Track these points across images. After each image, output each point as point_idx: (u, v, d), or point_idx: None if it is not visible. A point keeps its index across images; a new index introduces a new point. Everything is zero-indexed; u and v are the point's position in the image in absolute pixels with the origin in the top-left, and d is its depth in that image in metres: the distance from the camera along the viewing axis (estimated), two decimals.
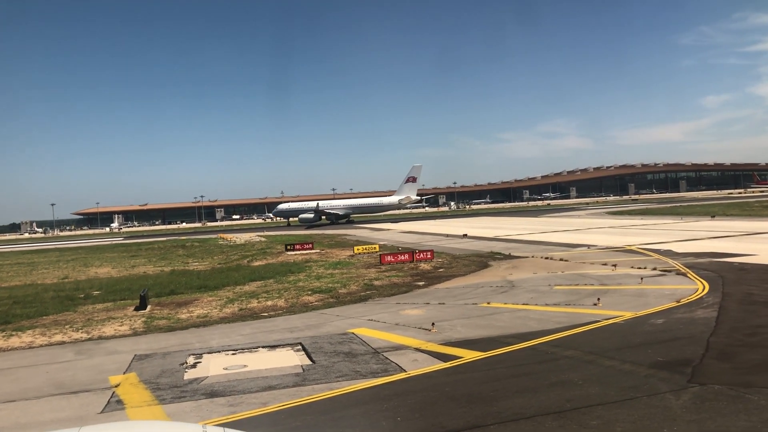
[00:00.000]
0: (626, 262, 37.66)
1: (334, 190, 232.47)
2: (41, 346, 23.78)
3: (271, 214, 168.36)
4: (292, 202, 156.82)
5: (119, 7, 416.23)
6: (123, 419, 13.94)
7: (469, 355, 18.03)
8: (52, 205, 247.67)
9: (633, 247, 46.38)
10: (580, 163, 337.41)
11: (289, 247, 63.23)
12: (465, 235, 68.87)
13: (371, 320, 24.57)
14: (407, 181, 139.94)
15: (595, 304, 24.83)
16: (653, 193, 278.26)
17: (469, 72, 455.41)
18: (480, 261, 44.81)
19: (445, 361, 17.58)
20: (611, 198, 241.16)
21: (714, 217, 75.50)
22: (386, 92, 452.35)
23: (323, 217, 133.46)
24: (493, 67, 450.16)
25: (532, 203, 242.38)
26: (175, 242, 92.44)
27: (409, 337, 20.98)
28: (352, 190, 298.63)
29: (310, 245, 64.03)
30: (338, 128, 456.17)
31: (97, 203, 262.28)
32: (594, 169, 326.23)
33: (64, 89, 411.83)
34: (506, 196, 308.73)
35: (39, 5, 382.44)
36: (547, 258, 43.52)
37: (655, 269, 34.08)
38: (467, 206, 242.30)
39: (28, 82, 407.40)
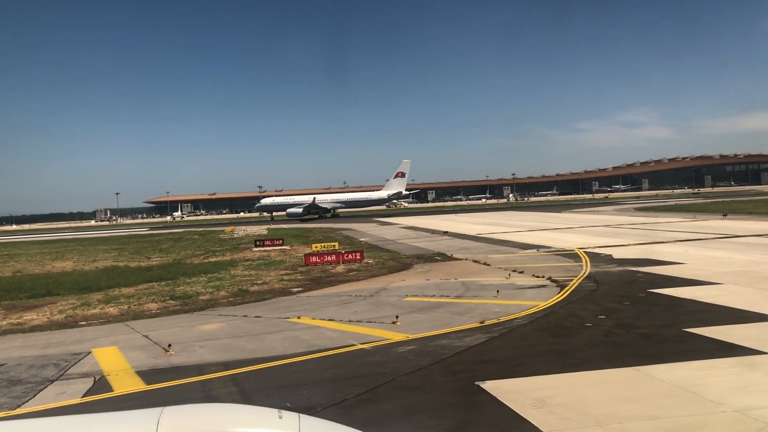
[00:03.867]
0: (539, 269, 34.67)
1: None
2: None
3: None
4: (276, 196, 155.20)
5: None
6: None
7: (129, 389, 16.02)
8: (117, 194, 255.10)
9: (581, 251, 42.77)
10: (661, 154, 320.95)
11: (258, 243, 62.09)
12: (446, 233, 66.16)
13: (146, 336, 22.79)
14: (396, 176, 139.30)
15: (393, 323, 22.36)
16: (731, 185, 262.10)
17: (544, 58, 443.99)
18: (408, 263, 42.47)
19: (82, 396, 15.66)
20: (677, 191, 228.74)
21: (726, 215, 69.47)
22: (453, 80, 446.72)
23: (311, 211, 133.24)
24: (570, 53, 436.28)
25: (598, 195, 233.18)
26: (177, 235, 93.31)
27: (129, 360, 19.15)
28: (414, 181, 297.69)
29: (281, 241, 62.67)
30: (403, 118, 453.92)
31: (167, 192, 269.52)
32: (669, 160, 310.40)
33: (148, 88, 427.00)
34: (575, 187, 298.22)
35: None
36: (476, 261, 40.85)
37: (549, 279, 31.18)
38: (525, 198, 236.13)
39: (118, 79, 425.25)
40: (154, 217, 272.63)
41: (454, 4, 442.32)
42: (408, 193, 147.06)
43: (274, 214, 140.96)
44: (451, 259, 43.68)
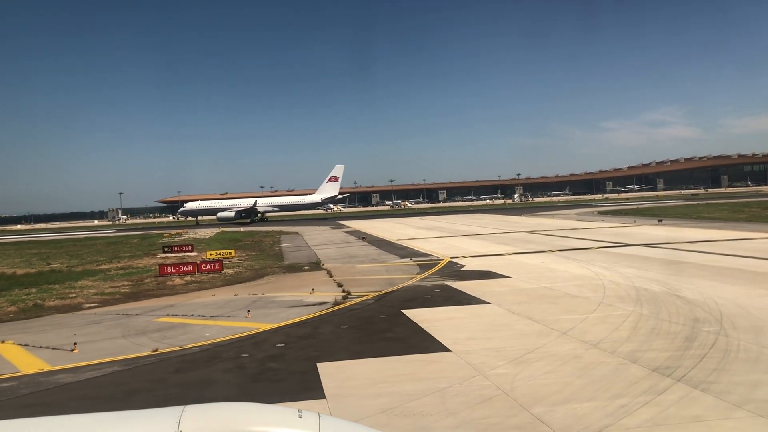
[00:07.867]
0: (368, 282, 33.86)
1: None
2: None
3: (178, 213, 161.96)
4: (202, 200, 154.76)
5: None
6: None
7: None
8: (120, 194, 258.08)
9: (449, 260, 41.21)
10: (685, 154, 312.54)
11: (166, 249, 60.53)
12: (364, 239, 64.18)
13: None
14: (329, 180, 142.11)
15: (72, 350, 20.50)
16: (747, 185, 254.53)
17: (568, 57, 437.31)
18: (264, 273, 40.93)
19: None
20: (685, 191, 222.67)
21: (661, 221, 66.20)
22: (474, 80, 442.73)
23: (243, 215, 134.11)
24: (595, 52, 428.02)
25: (606, 195, 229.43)
26: (123, 238, 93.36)
27: None
28: (425, 181, 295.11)
29: (189, 247, 61.03)
30: (424, 118, 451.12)
31: (178, 192, 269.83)
32: (685, 159, 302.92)
33: (164, 91, 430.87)
34: (589, 187, 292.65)
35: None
36: (328, 272, 39.44)
37: (347, 294, 29.39)
38: (531, 199, 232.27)
39: (140, 85, 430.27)
40: (166, 216, 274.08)
41: (478, 5, 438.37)
42: (342, 196, 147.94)
43: (200, 218, 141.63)
44: (316, 269, 41.82)
